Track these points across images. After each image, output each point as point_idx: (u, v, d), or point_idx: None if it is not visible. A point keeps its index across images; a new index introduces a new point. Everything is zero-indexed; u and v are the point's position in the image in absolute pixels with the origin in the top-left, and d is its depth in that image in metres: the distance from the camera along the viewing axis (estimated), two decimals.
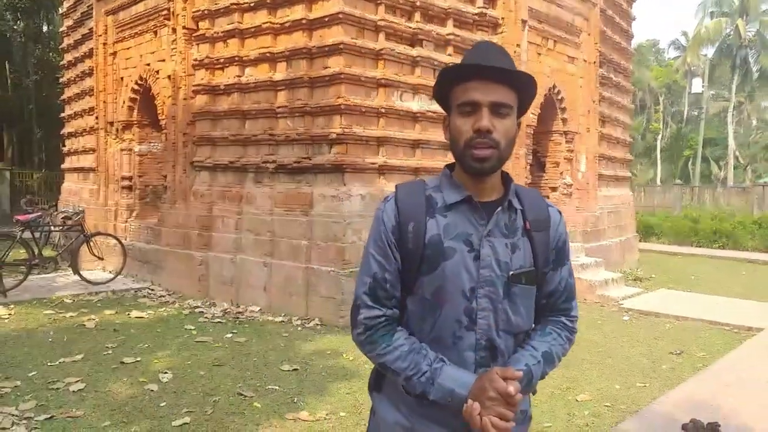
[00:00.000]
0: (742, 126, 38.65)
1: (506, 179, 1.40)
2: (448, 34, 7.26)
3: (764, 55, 30.66)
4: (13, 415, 3.66)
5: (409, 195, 1.37)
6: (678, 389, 4.46)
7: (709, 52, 32.93)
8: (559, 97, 9.09)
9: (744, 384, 4.57)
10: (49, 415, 3.68)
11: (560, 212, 1.47)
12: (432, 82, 7.48)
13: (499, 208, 1.34)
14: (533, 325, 1.44)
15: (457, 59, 7.30)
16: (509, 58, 1.34)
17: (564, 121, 9.34)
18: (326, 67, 6.42)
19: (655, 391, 4.41)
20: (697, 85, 36.75)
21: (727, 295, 8.31)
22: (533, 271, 1.36)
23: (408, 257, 1.33)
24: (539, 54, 8.56)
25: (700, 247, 14.12)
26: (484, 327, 1.33)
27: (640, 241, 12.77)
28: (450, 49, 7.33)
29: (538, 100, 8.57)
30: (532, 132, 8.53)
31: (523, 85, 1.34)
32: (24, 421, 3.58)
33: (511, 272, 1.33)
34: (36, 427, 3.52)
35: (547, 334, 1.42)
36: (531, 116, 8.40)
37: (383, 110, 6.59)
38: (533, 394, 1.48)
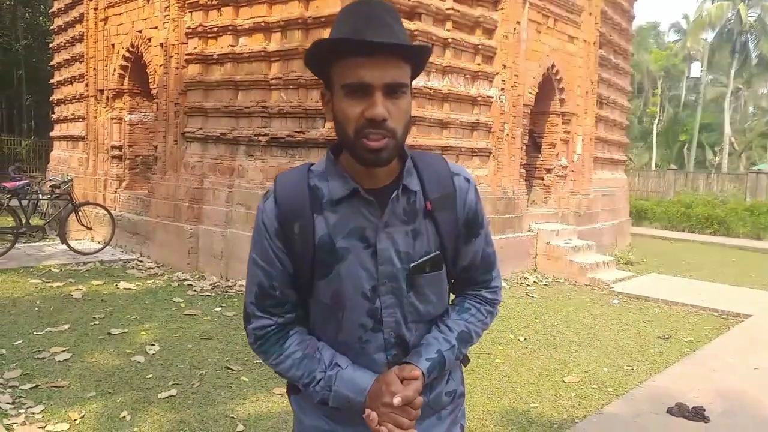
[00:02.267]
0: (739, 112, 38.64)
1: (401, 155, 1.20)
2: (447, 9, 7.10)
3: (764, 41, 30.48)
4: None
5: (290, 189, 1.20)
6: (665, 373, 4.48)
7: (710, 36, 32.72)
8: (558, 77, 8.97)
9: (730, 369, 4.60)
10: (34, 384, 3.65)
11: (468, 178, 1.29)
12: (430, 58, 7.40)
13: (394, 195, 1.17)
14: (448, 306, 1.33)
15: (456, 35, 7.21)
16: (397, 20, 1.13)
17: (561, 101, 9.24)
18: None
19: (642, 375, 4.43)
20: (696, 70, 36.63)
21: (717, 281, 8.36)
22: (438, 255, 1.23)
23: (298, 261, 1.19)
24: (539, 32, 8.42)
25: (692, 232, 14.18)
26: (392, 325, 1.22)
27: (632, 225, 12.81)
28: (449, 24, 7.18)
29: (537, 79, 8.46)
30: (529, 112, 8.43)
31: (418, 57, 1.16)
32: (9, 390, 3.55)
33: (412, 264, 1.19)
34: (21, 396, 3.48)
35: (464, 311, 1.31)
36: (528, 95, 8.30)
37: None
38: (465, 365, 1.40)
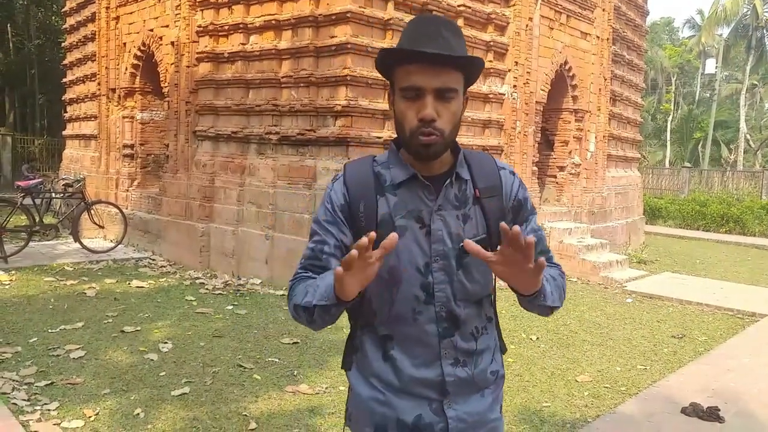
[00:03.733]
0: (755, 109, 38.11)
1: (454, 149, 1.37)
2: (459, 5, 7.06)
3: None
4: (13, 380, 3.66)
5: (357, 174, 1.36)
6: (679, 372, 4.43)
7: (725, 32, 32.25)
8: (570, 74, 8.89)
9: (745, 369, 4.54)
10: (49, 381, 3.68)
11: (513, 172, 1.45)
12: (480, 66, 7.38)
13: (448, 181, 1.34)
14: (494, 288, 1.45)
15: (468, 32, 7.16)
16: (455, 33, 1.27)
17: (574, 98, 9.16)
18: (333, 36, 6.27)
19: (656, 374, 4.38)
20: (711, 66, 36.14)
21: (732, 280, 8.25)
22: (485, 238, 1.34)
23: (361, 236, 1.24)
24: (551, 29, 8.35)
25: (706, 231, 14.00)
26: (443, 299, 1.33)
27: (646, 223, 12.68)
28: (461, 21, 7.14)
29: (549, 76, 8.39)
30: (541, 109, 8.37)
31: (469, 66, 1.30)
32: (24, 387, 3.59)
33: (462, 244, 1.27)
34: (36, 393, 3.52)
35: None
36: (541, 92, 8.24)
37: None
38: (503, 352, 1.49)
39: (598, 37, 9.30)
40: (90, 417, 3.25)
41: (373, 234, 1.12)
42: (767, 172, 19.42)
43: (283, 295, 6.14)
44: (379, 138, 6.38)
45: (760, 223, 13.77)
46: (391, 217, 1.32)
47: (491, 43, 7.46)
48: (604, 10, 9.32)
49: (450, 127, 1.27)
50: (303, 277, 1.36)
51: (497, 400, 1.46)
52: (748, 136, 33.37)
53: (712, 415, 3.61)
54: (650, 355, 4.82)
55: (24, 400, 3.41)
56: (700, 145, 33.40)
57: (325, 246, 1.35)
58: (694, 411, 3.66)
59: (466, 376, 1.35)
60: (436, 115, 1.24)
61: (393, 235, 1.14)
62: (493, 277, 1.41)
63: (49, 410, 3.31)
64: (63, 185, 8.61)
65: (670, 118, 36.49)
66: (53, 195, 8.55)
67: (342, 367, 1.47)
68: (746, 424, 3.58)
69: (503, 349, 1.50)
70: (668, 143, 35.36)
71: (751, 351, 5.01)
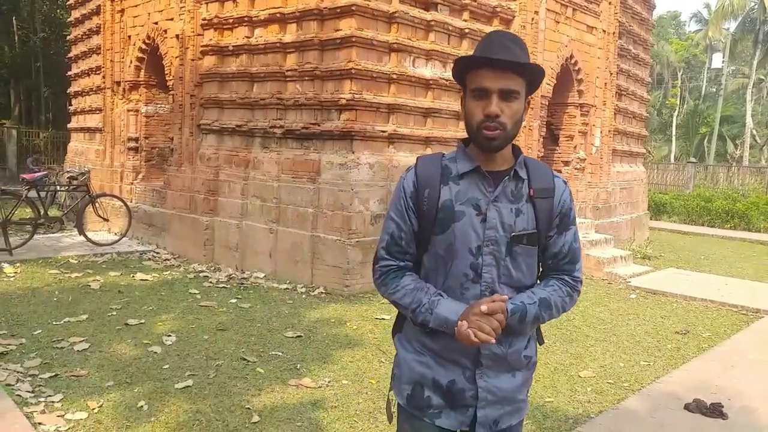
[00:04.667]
0: (761, 104, 37.80)
1: (516, 152, 1.58)
2: None
3: None
4: (18, 372, 3.69)
5: (427, 165, 1.57)
6: (682, 369, 4.42)
7: (732, 26, 31.96)
8: (576, 68, 8.84)
9: (749, 366, 4.52)
10: (53, 374, 3.70)
11: (566, 182, 1.64)
12: (447, 48, 7.23)
13: (507, 177, 1.52)
14: (537, 282, 1.62)
15: (473, 25, 7.12)
16: (519, 46, 1.50)
17: (580, 93, 9.11)
18: (337, 30, 6.24)
19: (659, 370, 4.37)
20: (717, 61, 35.84)
21: (736, 276, 8.22)
22: (535, 233, 1.54)
23: (423, 219, 1.55)
24: (557, 22, 8.29)
25: (711, 227, 13.94)
26: (488, 280, 1.52)
27: (651, 219, 12.63)
28: (466, 14, 7.10)
29: (555, 70, 8.34)
30: (546, 103, 8.33)
31: (530, 73, 1.51)
32: (29, 379, 3.61)
33: (513, 233, 1.51)
34: (40, 385, 3.54)
35: (548, 285, 1.59)
36: (546, 86, 8.19)
37: (395, 76, 6.42)
38: (540, 344, 1.69)
39: (604, 30, 9.23)
40: (94, 409, 3.27)
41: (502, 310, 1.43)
42: None
43: (286, 288, 6.15)
44: (384, 132, 6.36)
45: (766, 219, 13.69)
46: (452, 203, 1.52)
47: None
48: (610, 3, 9.25)
49: (511, 123, 1.47)
50: (393, 268, 1.58)
51: (526, 383, 1.64)
52: (755, 132, 33.13)
53: (715, 411, 3.60)
54: (654, 351, 4.81)
55: (28, 391, 3.43)
56: (705, 141, 33.17)
57: (402, 232, 1.57)
58: (697, 407, 3.65)
59: (500, 353, 1.54)
60: (500, 112, 1.45)
61: (503, 299, 1.45)
62: (538, 270, 1.62)
63: (53, 402, 3.33)
64: (68, 178, 8.62)
65: (676, 113, 36.25)
66: (58, 188, 8.56)
67: (392, 332, 1.70)
68: (749, 420, 3.57)
69: (540, 341, 1.69)
70: (674, 138, 35.14)
71: (755, 347, 4.99)
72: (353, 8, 6.05)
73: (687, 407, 3.67)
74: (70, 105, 11.71)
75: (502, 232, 1.51)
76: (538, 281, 1.63)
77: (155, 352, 4.16)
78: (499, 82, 1.45)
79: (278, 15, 6.66)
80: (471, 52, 7.32)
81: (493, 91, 1.45)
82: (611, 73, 9.58)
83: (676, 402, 3.74)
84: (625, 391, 3.94)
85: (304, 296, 5.91)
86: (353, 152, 6.21)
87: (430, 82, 6.77)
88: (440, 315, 1.48)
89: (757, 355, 4.77)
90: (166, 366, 3.93)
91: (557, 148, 9.51)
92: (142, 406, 3.32)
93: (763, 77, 35.26)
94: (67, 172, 9.50)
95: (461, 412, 1.55)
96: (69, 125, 11.80)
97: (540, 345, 1.70)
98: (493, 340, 1.40)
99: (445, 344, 1.52)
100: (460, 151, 1.59)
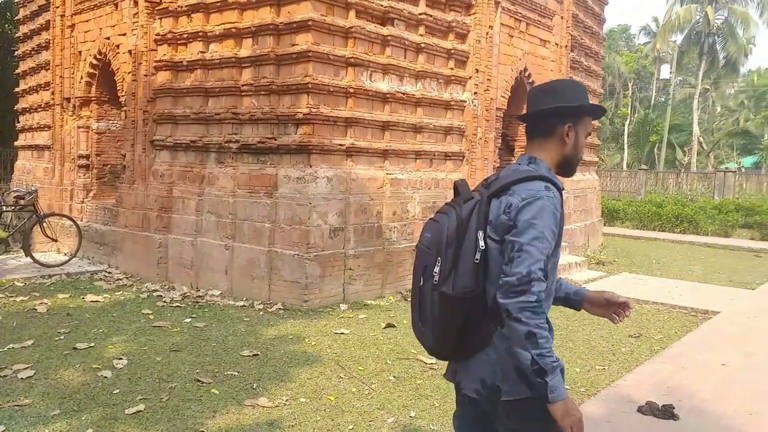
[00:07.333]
0: (707, 113, 39.64)
1: None
2: (420, 14, 7.12)
3: (731, 42, 31.28)
4: None
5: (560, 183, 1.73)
6: (636, 372, 4.54)
7: (679, 38, 33.46)
8: (530, 81, 9.06)
9: (699, 366, 4.68)
10: None
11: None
12: (403, 63, 7.26)
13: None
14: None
15: (429, 40, 7.23)
16: None
17: None
18: (294, 44, 6.23)
19: (614, 374, 4.48)
20: (666, 72, 37.41)
21: (686, 278, 8.52)
22: None
23: (557, 239, 1.71)
24: (511, 36, 8.50)
25: (662, 231, 14.45)
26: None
27: (605, 225, 12.99)
28: (422, 29, 7.20)
29: (510, 83, 8.54)
30: (501, 115, 8.50)
31: None
32: None
33: None
34: None
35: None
36: (501, 99, 8.37)
37: (352, 90, 6.44)
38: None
39: (556, 44, 9.52)
40: None
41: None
42: (719, 174, 20.18)
43: (243, 306, 6.03)
44: (342, 145, 6.36)
45: (713, 222, 14.29)
46: (563, 223, 1.69)
47: (452, 51, 7.55)
48: (562, 18, 9.55)
49: None
50: (543, 296, 1.59)
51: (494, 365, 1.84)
52: (701, 139, 34.66)
53: (666, 413, 3.70)
54: (608, 356, 4.93)
55: None
56: (656, 148, 34.53)
57: (548, 255, 1.62)
58: (650, 410, 3.75)
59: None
60: None
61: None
62: None
63: None
64: (14, 197, 8.27)
65: (627, 122, 37.62)
66: (4, 208, 8.21)
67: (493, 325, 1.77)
68: (699, 421, 3.68)
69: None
70: (626, 146, 36.43)
71: (704, 348, 5.17)
72: (310, 23, 6.06)
73: (640, 410, 3.76)
74: (18, 122, 11.28)
75: None
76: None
77: (105, 377, 4.00)
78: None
79: (234, 30, 6.61)
80: (428, 67, 7.38)
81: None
82: None
83: (629, 405, 3.83)
84: (581, 396, 4.01)
85: (261, 313, 5.81)
86: (311, 166, 6.18)
87: (387, 95, 6.82)
88: (559, 381, 1.59)
89: (706, 356, 4.94)
90: (117, 391, 3.78)
91: (513, 158, 9.70)
92: None
93: (708, 87, 37.00)
94: (14, 191, 9.11)
95: None
96: (16, 143, 11.37)
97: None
98: None
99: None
100: (551, 172, 1.79)
